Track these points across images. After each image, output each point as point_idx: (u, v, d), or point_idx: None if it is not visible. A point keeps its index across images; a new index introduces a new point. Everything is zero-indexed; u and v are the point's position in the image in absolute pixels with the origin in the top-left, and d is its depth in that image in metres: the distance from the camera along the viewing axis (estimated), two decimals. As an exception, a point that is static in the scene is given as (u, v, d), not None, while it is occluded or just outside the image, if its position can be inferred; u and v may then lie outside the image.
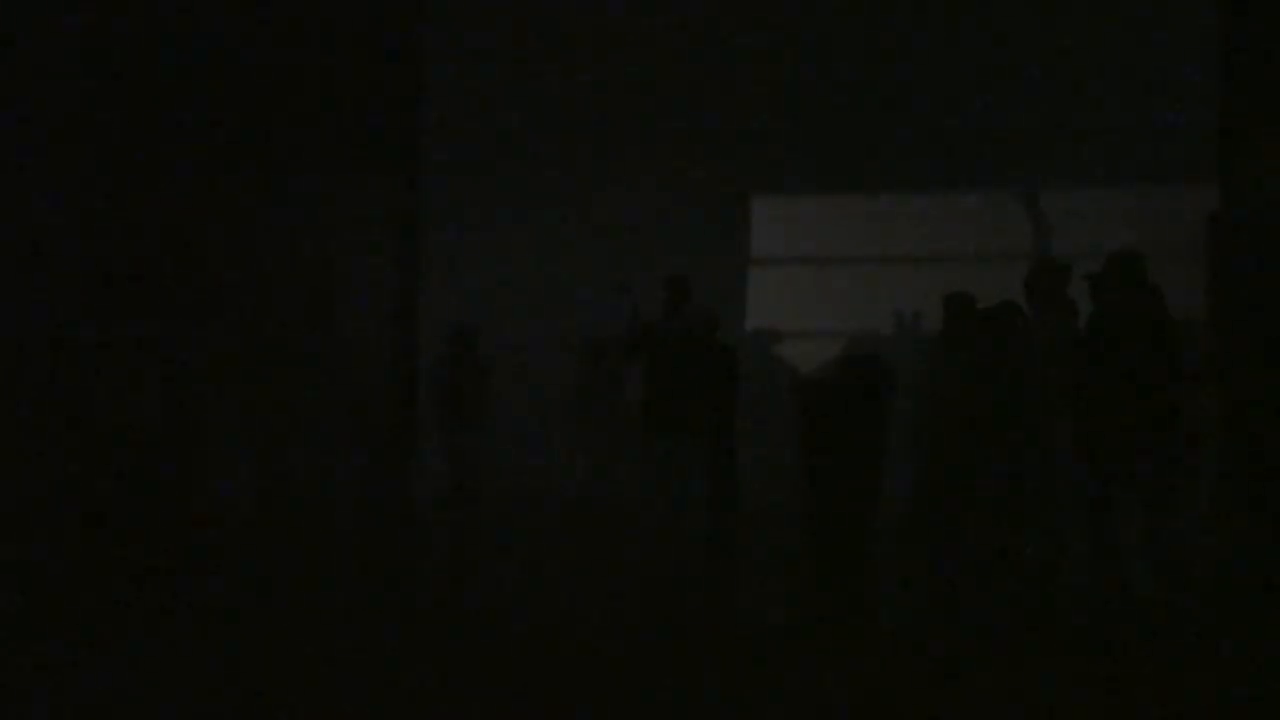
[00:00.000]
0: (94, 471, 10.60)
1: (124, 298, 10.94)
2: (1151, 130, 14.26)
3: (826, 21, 15.19)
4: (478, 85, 15.88)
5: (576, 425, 12.17)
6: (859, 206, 15.50)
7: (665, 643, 6.40)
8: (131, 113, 11.06)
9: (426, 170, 11.61)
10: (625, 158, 15.99)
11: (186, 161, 11.03)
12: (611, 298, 10.06)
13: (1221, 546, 9.03)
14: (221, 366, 10.89)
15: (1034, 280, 8.94)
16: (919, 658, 6.07)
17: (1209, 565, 8.67)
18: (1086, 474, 7.86)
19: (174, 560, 9.33)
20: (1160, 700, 5.35)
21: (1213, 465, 9.20)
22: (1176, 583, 7.84)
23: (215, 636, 6.43)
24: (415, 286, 11.25)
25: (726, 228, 15.85)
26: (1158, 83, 14.13)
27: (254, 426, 10.82)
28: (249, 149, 11.03)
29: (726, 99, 15.58)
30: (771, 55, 15.39)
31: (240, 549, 9.86)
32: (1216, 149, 9.56)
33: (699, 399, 9.54)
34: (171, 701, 5.17)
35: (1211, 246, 9.85)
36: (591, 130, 16.01)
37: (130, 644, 6.29)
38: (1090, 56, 14.55)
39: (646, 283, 14.67)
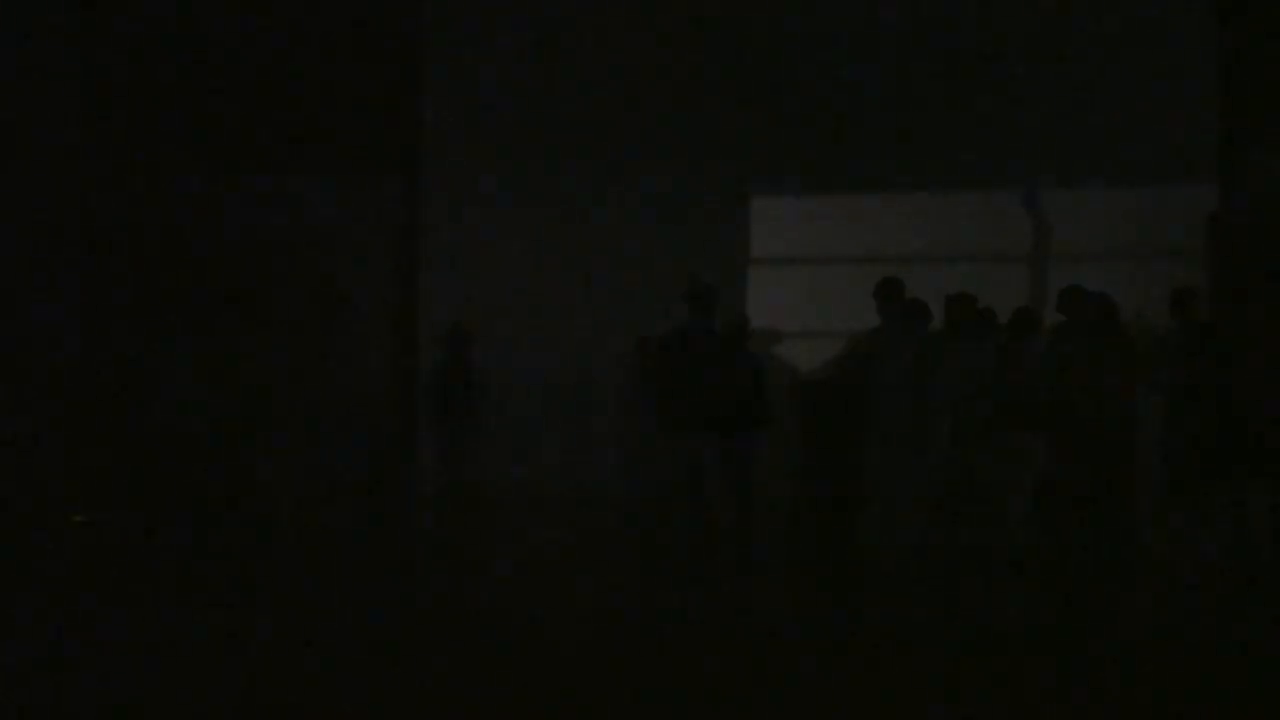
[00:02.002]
0: (93, 470, 10.59)
1: (122, 298, 10.92)
2: (1151, 130, 14.23)
3: (826, 20, 15.17)
4: (478, 85, 15.86)
5: (621, 424, 11.94)
6: (859, 206, 15.48)
7: (680, 639, 6.40)
8: (131, 113, 11.04)
9: (426, 170, 11.58)
10: (625, 158, 15.96)
11: (186, 162, 11.02)
12: (683, 300, 10.12)
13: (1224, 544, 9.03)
14: (221, 367, 10.87)
15: (877, 293, 9.60)
16: (918, 657, 6.06)
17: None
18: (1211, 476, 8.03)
19: (174, 559, 9.32)
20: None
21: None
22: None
23: (213, 635, 6.43)
24: (415, 286, 11.24)
25: (726, 228, 15.83)
26: (1158, 83, 14.11)
27: (254, 426, 10.80)
28: (249, 150, 11.01)
29: (726, 99, 15.56)
30: (771, 54, 15.37)
31: (239, 548, 9.85)
32: (1216, 149, 9.55)
33: (726, 400, 9.66)
34: (170, 701, 5.17)
35: (1211, 246, 9.86)
36: (591, 130, 15.98)
37: (129, 639, 6.29)
38: (1090, 55, 14.53)
39: (646, 282, 14.67)
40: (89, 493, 10.44)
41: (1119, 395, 9.05)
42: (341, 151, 11.03)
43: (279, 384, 10.89)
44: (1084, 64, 14.56)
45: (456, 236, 16.13)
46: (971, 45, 14.73)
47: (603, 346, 14.90)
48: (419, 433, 11.18)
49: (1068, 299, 9.69)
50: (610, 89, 15.81)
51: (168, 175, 11.02)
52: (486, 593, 8.00)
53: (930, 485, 9.05)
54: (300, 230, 11.02)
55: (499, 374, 13.85)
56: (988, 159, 14.95)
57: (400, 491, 10.92)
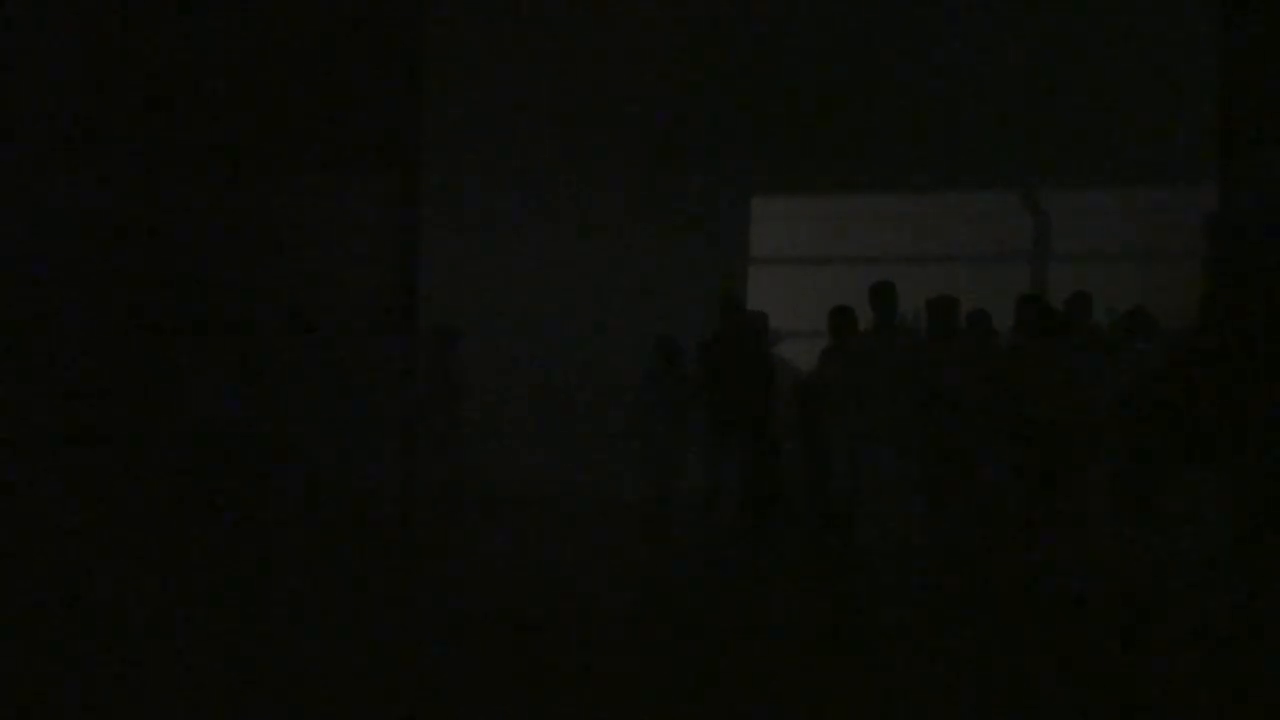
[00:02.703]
0: (92, 477, 10.59)
1: (123, 300, 10.93)
2: (1151, 130, 14.25)
3: (826, 20, 15.19)
4: (478, 85, 15.87)
5: (640, 426, 11.90)
6: (859, 206, 15.50)
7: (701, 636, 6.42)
8: (130, 114, 11.05)
9: (426, 171, 11.60)
10: (625, 157, 15.99)
11: (186, 162, 11.02)
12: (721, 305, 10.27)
13: (1223, 548, 9.04)
14: (219, 367, 10.88)
15: (872, 298, 9.78)
16: (917, 655, 6.07)
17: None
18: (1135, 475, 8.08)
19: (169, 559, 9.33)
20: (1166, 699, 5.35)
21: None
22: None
23: (212, 636, 6.43)
24: (415, 287, 11.25)
25: (727, 228, 15.86)
26: (1158, 83, 14.12)
27: (252, 427, 10.81)
28: (248, 149, 11.01)
29: (726, 98, 15.58)
30: (771, 54, 15.40)
31: (238, 549, 9.86)
32: (1216, 149, 9.56)
33: (749, 399, 9.76)
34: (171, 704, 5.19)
35: (1211, 246, 9.85)
36: (591, 130, 16.01)
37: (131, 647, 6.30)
38: (1091, 56, 14.55)
39: (646, 283, 14.73)
40: (105, 500, 10.45)
41: (1075, 393, 9.06)
42: (341, 150, 11.03)
43: (275, 384, 10.90)
44: (1084, 64, 14.58)
45: (457, 238, 16.16)
46: (973, 45, 14.74)
47: (603, 347, 14.93)
48: (417, 433, 11.21)
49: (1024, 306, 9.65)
50: (610, 89, 15.83)
51: (165, 175, 11.03)
52: (498, 593, 8.02)
53: (915, 485, 9.12)
54: (299, 230, 11.02)
55: (499, 376, 13.84)
56: (988, 159, 14.97)
57: (399, 491, 10.94)
